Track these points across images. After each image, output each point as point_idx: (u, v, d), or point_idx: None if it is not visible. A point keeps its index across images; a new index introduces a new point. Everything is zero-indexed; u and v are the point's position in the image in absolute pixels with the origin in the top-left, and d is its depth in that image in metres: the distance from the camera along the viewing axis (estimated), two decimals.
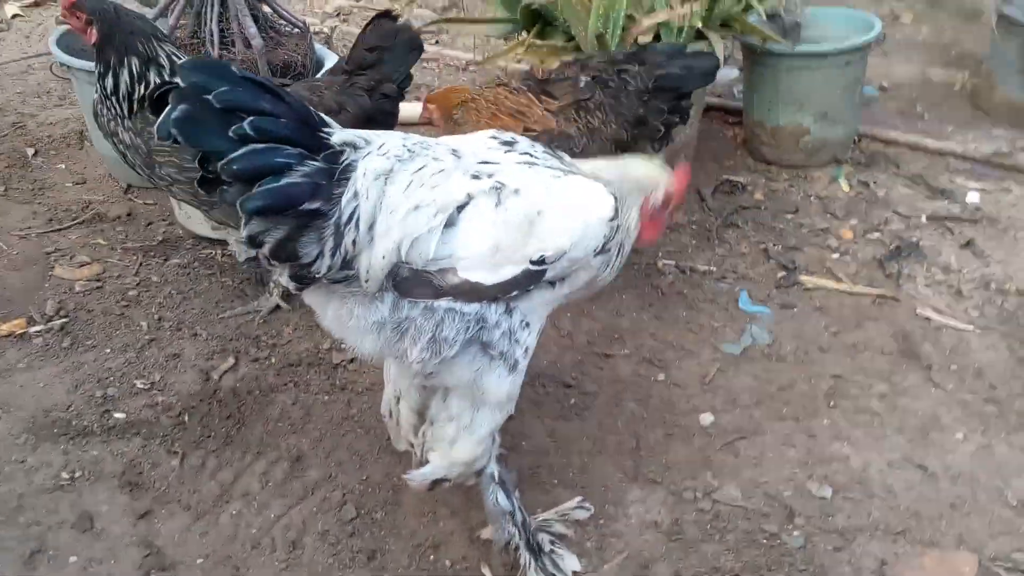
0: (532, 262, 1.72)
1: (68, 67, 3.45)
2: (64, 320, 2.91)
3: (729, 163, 4.00)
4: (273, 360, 2.78)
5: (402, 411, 2.13)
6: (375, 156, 1.66)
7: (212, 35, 2.99)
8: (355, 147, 1.66)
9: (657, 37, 3.18)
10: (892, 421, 2.57)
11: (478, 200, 1.70)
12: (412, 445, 2.16)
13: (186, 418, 2.55)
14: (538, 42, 3.29)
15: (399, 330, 1.72)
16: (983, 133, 4.15)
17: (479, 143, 1.86)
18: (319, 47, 3.35)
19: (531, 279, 1.75)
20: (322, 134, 1.61)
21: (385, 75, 2.69)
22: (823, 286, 3.14)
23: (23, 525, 2.22)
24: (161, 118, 1.43)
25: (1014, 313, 3.00)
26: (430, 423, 1.99)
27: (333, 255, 1.61)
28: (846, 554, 2.17)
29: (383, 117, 2.70)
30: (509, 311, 1.79)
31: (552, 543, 2.16)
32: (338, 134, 1.65)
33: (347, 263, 1.64)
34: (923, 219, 3.53)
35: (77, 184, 3.77)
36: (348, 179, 1.60)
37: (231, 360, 2.76)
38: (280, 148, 1.50)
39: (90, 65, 3.34)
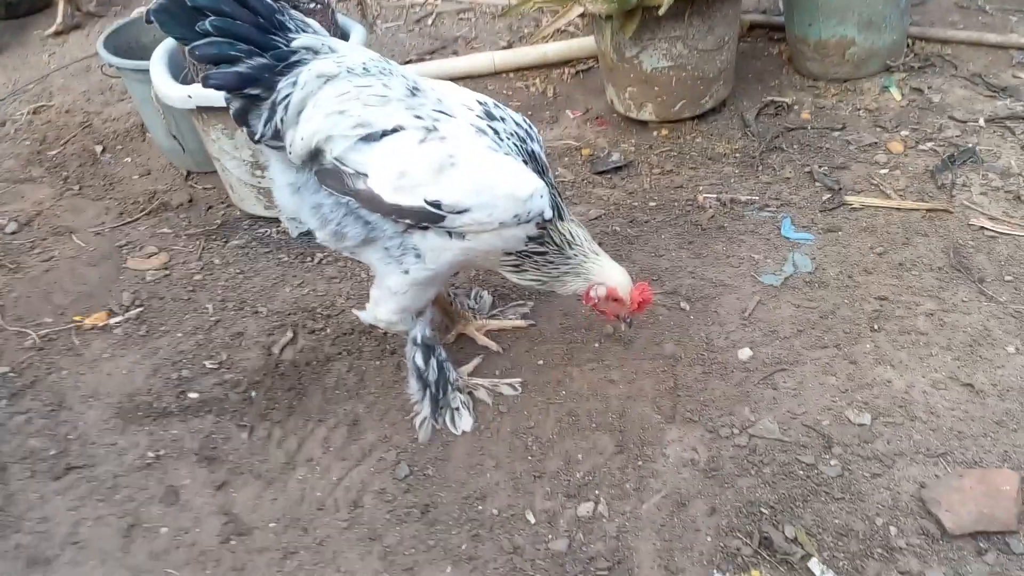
0: (427, 201, 2.04)
1: (117, 68, 3.64)
2: (140, 309, 3.15)
3: (774, 83, 3.89)
4: (328, 331, 2.94)
5: None
6: (327, 61, 2.03)
7: None
8: (315, 51, 2.05)
9: None
10: (939, 340, 2.53)
11: (406, 132, 2.04)
12: None
13: (252, 393, 2.75)
14: None
15: (316, 210, 2.16)
16: None
17: (466, 98, 2.17)
18: (343, 18, 3.41)
19: (425, 217, 2.07)
20: (276, 37, 2.01)
21: None
22: (870, 204, 3.06)
23: (119, 502, 2.47)
24: (149, 7, 1.93)
25: None
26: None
27: (266, 125, 2.06)
28: (884, 480, 2.18)
29: None
30: (406, 233, 2.14)
31: (463, 403, 2.52)
32: (300, 40, 2.04)
33: (277, 134, 2.06)
34: (981, 122, 3.37)
35: (142, 176, 4.00)
36: (294, 72, 2.00)
37: (289, 334, 2.94)
38: (234, 44, 1.95)
39: (137, 64, 3.56)
